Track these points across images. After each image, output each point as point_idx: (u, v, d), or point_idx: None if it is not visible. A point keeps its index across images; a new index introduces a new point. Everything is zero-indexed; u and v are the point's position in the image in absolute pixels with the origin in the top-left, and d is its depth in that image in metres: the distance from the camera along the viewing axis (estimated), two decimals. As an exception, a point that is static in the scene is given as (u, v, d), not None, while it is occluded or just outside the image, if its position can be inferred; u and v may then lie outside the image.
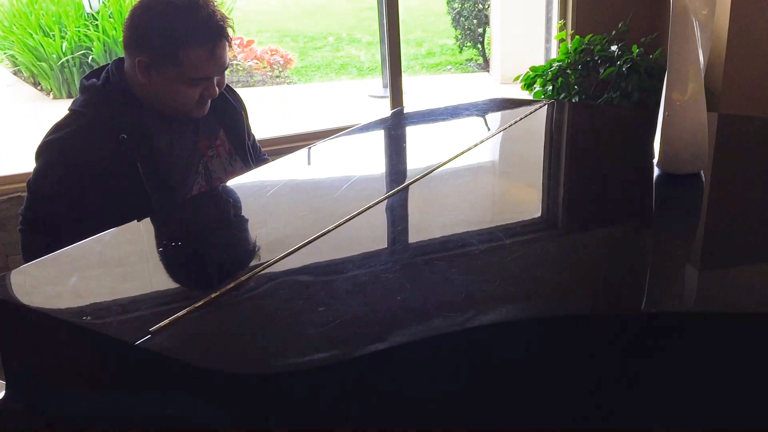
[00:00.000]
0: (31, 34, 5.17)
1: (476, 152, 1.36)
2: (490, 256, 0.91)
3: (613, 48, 2.93)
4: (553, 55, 3.32)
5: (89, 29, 5.11)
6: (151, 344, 0.72)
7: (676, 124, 1.13)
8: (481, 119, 1.70)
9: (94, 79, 1.39)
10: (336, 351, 0.72)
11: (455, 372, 0.78)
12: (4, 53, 5.59)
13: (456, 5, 6.77)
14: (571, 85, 2.94)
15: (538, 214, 1.11)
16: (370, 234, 1.02)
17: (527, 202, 1.17)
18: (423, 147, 1.49)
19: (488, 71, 6.59)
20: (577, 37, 3.01)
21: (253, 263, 0.92)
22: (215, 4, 1.36)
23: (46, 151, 1.33)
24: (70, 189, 1.30)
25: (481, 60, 6.87)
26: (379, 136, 1.63)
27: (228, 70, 1.42)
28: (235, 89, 1.60)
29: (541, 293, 0.84)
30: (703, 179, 1.16)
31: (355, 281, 0.85)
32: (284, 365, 0.71)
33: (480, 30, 6.71)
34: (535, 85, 3.01)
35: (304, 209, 1.12)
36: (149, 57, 1.33)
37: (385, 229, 1.04)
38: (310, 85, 6.48)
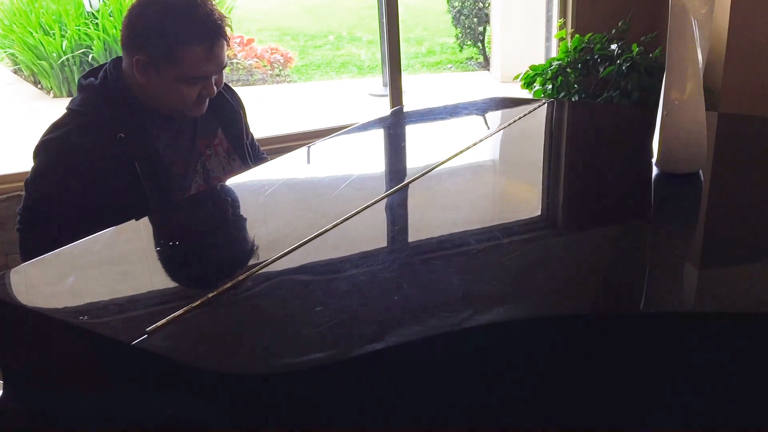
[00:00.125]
0: (32, 33, 5.17)
1: (475, 151, 1.35)
2: (489, 256, 0.91)
3: (613, 47, 2.93)
4: (553, 53, 3.32)
5: (89, 28, 5.11)
6: (148, 344, 0.72)
7: (675, 123, 1.13)
8: (480, 118, 1.70)
9: (92, 78, 1.39)
10: (333, 351, 0.72)
11: (454, 372, 0.77)
12: (5, 52, 5.58)
13: (456, 4, 6.77)
14: (571, 84, 2.94)
15: (537, 213, 1.10)
16: (369, 233, 1.02)
17: (526, 201, 1.17)
18: (422, 146, 1.49)
19: (488, 70, 6.59)
20: (577, 35, 3.01)
21: (250, 263, 0.92)
22: (213, 2, 1.36)
23: (43, 150, 1.33)
24: (68, 188, 1.30)
25: (481, 59, 6.87)
26: (378, 135, 1.63)
27: (228, 68, 1.42)
28: (234, 88, 1.60)
29: (539, 293, 0.84)
30: (702, 178, 1.16)
31: (353, 281, 0.85)
32: (281, 365, 0.71)
33: (480, 29, 6.71)
34: (534, 84, 3.01)
35: (303, 208, 1.12)
36: (147, 56, 1.33)
37: (383, 228, 1.04)
38: (311, 83, 6.48)
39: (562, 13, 3.21)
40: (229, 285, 0.83)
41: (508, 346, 0.77)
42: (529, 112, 1.63)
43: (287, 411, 0.71)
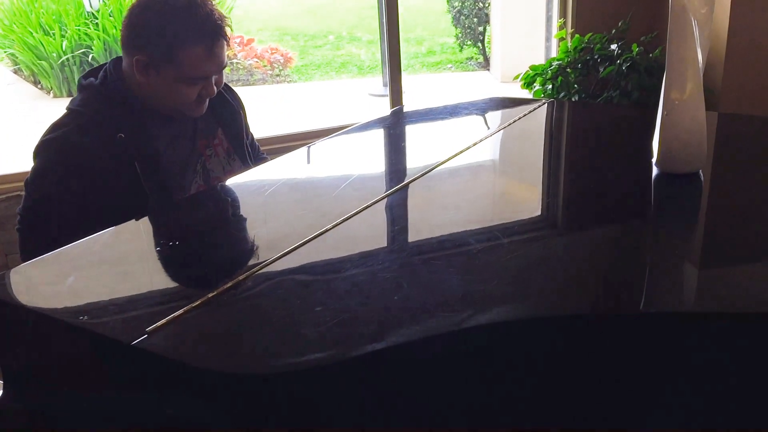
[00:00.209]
0: (32, 33, 5.17)
1: (475, 151, 1.35)
2: (489, 256, 0.91)
3: (613, 47, 2.93)
4: (553, 53, 3.32)
5: (89, 28, 5.12)
6: (148, 344, 0.72)
7: (675, 123, 1.13)
8: (480, 118, 1.70)
9: (91, 79, 1.39)
10: (333, 351, 0.72)
11: (454, 372, 0.77)
12: (5, 52, 5.59)
13: (456, 4, 6.77)
14: (571, 84, 2.94)
15: (537, 213, 1.10)
16: (369, 233, 1.01)
17: (526, 201, 1.17)
18: (422, 146, 1.49)
19: (488, 70, 6.59)
20: (576, 35, 3.01)
21: (250, 263, 0.92)
22: (213, 2, 1.36)
23: (43, 150, 1.33)
24: (68, 188, 1.30)
25: (481, 59, 6.87)
26: (378, 135, 1.63)
27: (228, 68, 1.42)
28: (234, 88, 1.60)
29: (539, 293, 0.84)
30: (702, 179, 1.16)
31: (353, 281, 0.85)
32: (281, 365, 0.71)
33: (480, 28, 6.72)
34: (534, 84, 3.01)
35: (303, 208, 1.12)
36: (147, 56, 1.33)
37: (383, 228, 1.04)
38: (311, 83, 6.48)
39: (562, 13, 3.21)
40: (229, 285, 0.83)
41: (508, 346, 0.77)
42: (529, 112, 1.63)
43: (287, 411, 0.71)
